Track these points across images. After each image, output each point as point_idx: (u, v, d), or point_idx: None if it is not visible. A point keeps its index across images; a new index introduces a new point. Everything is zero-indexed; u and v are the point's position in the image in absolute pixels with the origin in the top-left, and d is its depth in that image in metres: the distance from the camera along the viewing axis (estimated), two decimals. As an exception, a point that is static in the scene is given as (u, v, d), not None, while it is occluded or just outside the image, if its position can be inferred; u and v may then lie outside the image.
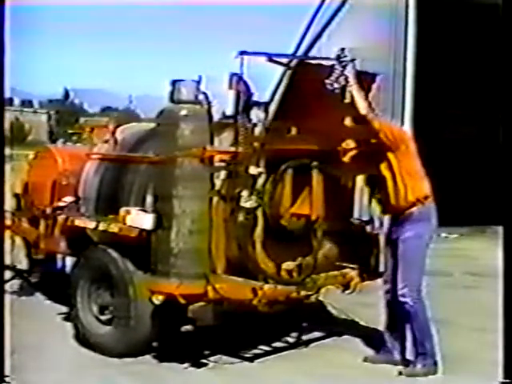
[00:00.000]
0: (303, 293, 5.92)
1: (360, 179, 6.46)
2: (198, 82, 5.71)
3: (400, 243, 5.77)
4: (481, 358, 5.89)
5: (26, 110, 50.89)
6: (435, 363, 5.76)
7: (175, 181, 5.54)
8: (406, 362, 5.85)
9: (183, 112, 5.59)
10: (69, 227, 6.55)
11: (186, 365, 5.79)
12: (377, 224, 6.44)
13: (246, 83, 5.65)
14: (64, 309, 6.87)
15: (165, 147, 5.65)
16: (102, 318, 6.17)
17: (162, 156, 5.62)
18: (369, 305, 7.38)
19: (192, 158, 5.52)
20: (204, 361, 5.90)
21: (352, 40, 12.78)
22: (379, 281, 6.54)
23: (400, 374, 5.73)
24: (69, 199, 6.73)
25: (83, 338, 6.24)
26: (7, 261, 7.13)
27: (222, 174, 5.66)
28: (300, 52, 14.71)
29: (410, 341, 5.84)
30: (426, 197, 5.79)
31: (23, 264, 7.92)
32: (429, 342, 5.76)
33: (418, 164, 5.86)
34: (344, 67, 5.48)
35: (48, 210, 6.91)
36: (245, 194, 5.57)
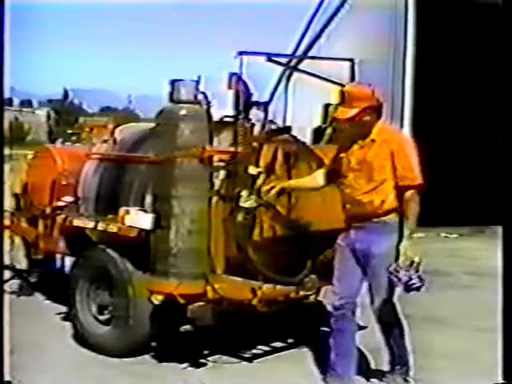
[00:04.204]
0: (302, 293, 5.92)
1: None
2: (198, 82, 5.71)
3: None
4: (480, 358, 5.89)
5: (25, 109, 50.74)
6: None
7: (174, 181, 5.54)
8: None
9: (182, 112, 5.59)
10: (68, 227, 6.54)
11: (185, 365, 5.79)
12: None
13: (245, 83, 5.65)
14: (63, 309, 6.87)
15: (164, 147, 5.64)
16: (101, 317, 6.17)
17: (162, 156, 5.62)
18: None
19: (191, 157, 5.52)
20: (203, 361, 5.90)
21: (351, 40, 12.82)
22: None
23: None
24: (68, 199, 6.72)
25: (82, 338, 6.24)
26: (6, 261, 7.12)
27: (222, 173, 5.66)
28: (299, 52, 14.75)
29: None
30: None
31: (22, 264, 7.90)
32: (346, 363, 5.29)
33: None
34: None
35: (47, 210, 6.91)
36: (244, 193, 5.57)
